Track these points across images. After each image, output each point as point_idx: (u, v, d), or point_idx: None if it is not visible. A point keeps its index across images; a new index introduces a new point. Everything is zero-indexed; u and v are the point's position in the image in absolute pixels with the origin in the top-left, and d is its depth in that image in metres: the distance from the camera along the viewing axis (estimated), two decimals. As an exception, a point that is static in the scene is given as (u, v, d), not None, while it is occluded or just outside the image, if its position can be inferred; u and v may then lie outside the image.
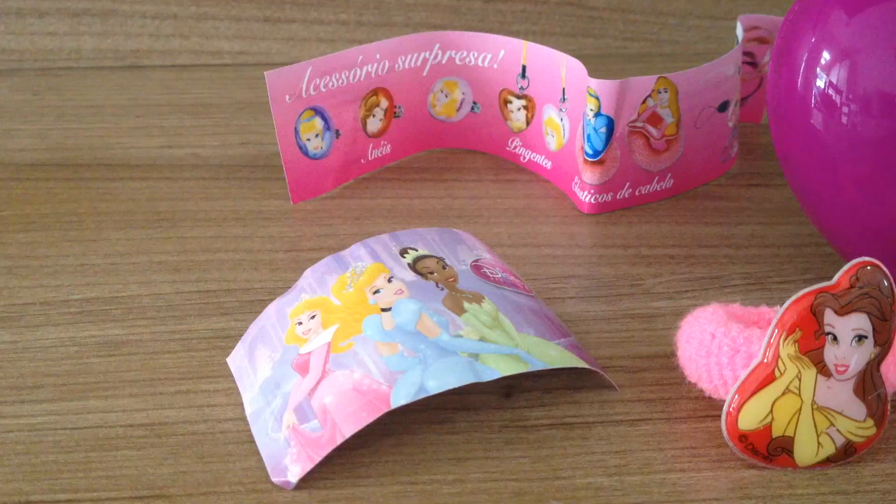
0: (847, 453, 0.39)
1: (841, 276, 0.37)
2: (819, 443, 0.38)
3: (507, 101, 0.61)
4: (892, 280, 0.37)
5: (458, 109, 0.63)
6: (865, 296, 0.37)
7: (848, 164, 0.45)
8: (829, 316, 0.37)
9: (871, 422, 0.38)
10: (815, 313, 0.37)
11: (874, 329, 0.37)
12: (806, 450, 0.38)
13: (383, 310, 0.41)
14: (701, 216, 0.57)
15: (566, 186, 0.59)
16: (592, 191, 0.56)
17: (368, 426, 0.39)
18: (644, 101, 0.55)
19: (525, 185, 0.60)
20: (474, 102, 0.62)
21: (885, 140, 0.44)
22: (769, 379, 0.38)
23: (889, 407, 0.39)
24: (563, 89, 0.57)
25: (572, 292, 0.50)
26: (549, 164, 0.60)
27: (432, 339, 0.40)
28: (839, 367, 0.37)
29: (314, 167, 0.58)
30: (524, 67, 0.60)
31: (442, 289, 0.42)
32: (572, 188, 0.58)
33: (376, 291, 0.42)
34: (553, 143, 0.59)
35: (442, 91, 0.62)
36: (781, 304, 0.38)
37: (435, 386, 0.38)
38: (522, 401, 0.42)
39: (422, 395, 0.38)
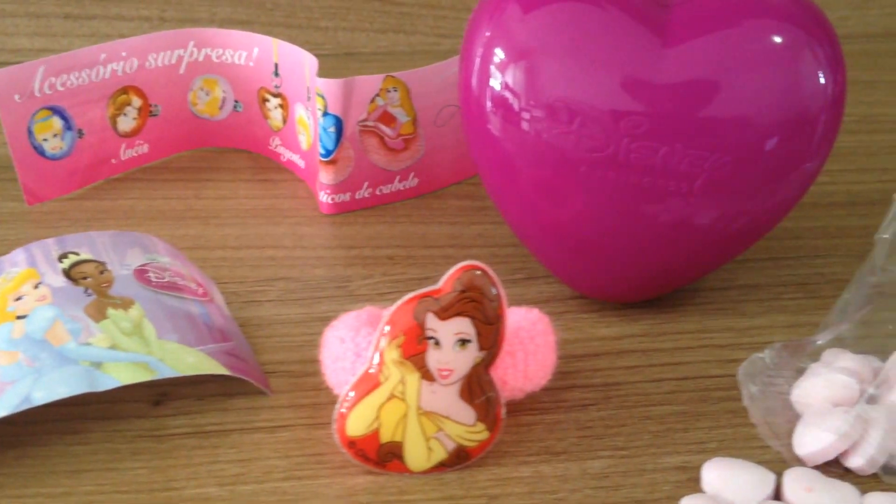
0: (461, 458, 0.38)
1: (445, 280, 0.36)
2: (429, 448, 0.37)
3: (265, 100, 0.60)
4: (500, 285, 0.36)
5: (221, 108, 0.61)
6: (468, 300, 0.36)
7: (526, 169, 0.44)
8: (431, 320, 0.36)
9: (482, 426, 0.37)
10: (417, 318, 0.36)
11: (478, 333, 0.36)
12: (416, 455, 0.37)
13: (19, 317, 0.40)
14: (440, 216, 0.56)
15: (315, 186, 0.58)
16: (329, 191, 0.56)
17: (-7, 437, 0.38)
18: (373, 101, 0.54)
19: (278, 184, 0.59)
20: (236, 101, 0.61)
21: (559, 144, 0.42)
22: (375, 384, 0.37)
23: (503, 411, 0.38)
24: (308, 88, 0.56)
25: (273, 295, 0.49)
26: (303, 164, 0.59)
27: (57, 347, 0.39)
28: (442, 372, 0.36)
29: (53, 168, 0.57)
30: (276, 65, 0.59)
31: (90, 294, 0.41)
32: (316, 188, 0.57)
33: (19, 298, 0.41)
34: (304, 141, 0.58)
35: (202, 89, 0.61)
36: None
37: (41, 397, 0.37)
38: (171, 409, 0.41)
39: (25, 407, 0.37)
